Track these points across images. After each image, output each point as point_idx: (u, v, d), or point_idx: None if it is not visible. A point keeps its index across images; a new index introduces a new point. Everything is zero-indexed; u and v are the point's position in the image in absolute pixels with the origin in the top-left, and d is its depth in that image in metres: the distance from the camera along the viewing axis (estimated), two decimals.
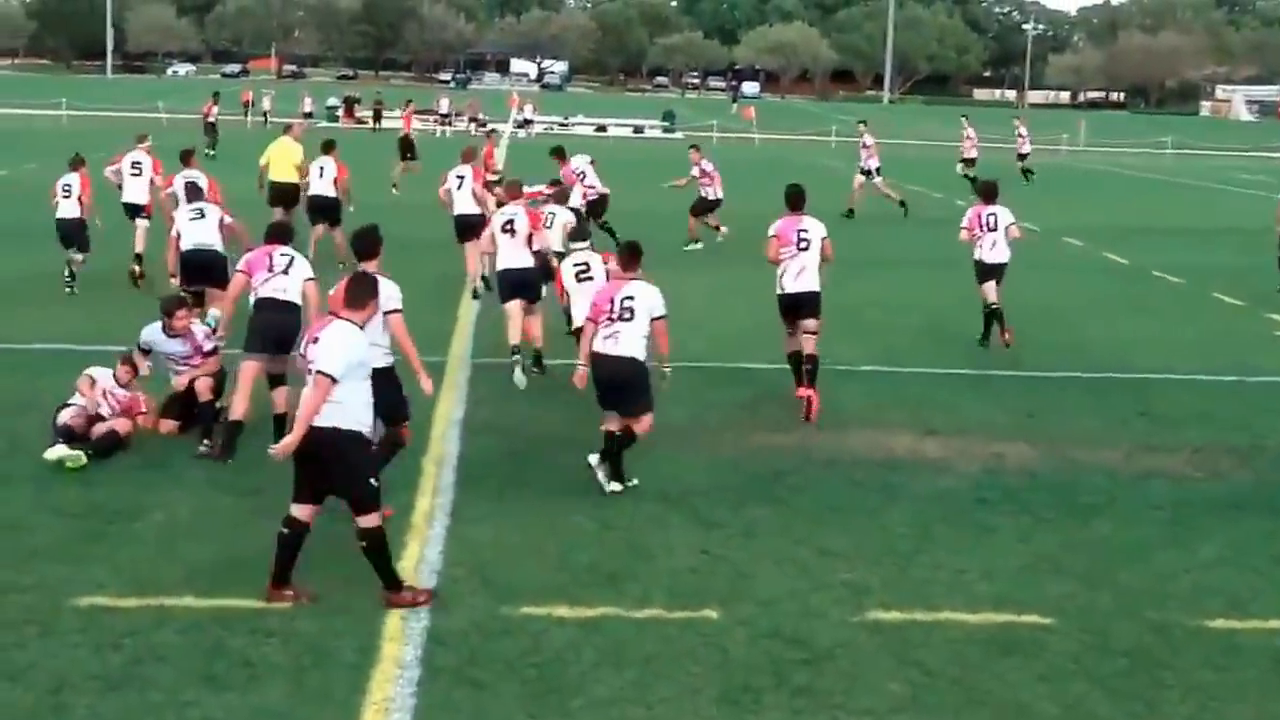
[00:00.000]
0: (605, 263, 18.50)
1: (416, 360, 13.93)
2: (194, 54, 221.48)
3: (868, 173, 45.31)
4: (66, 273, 26.11)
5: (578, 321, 17.97)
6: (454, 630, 11.27)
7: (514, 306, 20.27)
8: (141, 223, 27.82)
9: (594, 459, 15.10)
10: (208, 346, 16.78)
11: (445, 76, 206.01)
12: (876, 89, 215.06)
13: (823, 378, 19.57)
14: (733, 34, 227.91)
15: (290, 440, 11.40)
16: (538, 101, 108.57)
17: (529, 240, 20.46)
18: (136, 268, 26.93)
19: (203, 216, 21.69)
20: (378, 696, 10.14)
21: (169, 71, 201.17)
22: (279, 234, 16.82)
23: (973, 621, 11.88)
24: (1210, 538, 14.28)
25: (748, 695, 10.35)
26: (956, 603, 12.26)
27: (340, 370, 11.35)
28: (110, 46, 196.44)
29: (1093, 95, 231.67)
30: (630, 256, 15.74)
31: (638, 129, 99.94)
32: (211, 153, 58.40)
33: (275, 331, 15.97)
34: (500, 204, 21.50)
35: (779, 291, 18.96)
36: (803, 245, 18.79)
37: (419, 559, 12.83)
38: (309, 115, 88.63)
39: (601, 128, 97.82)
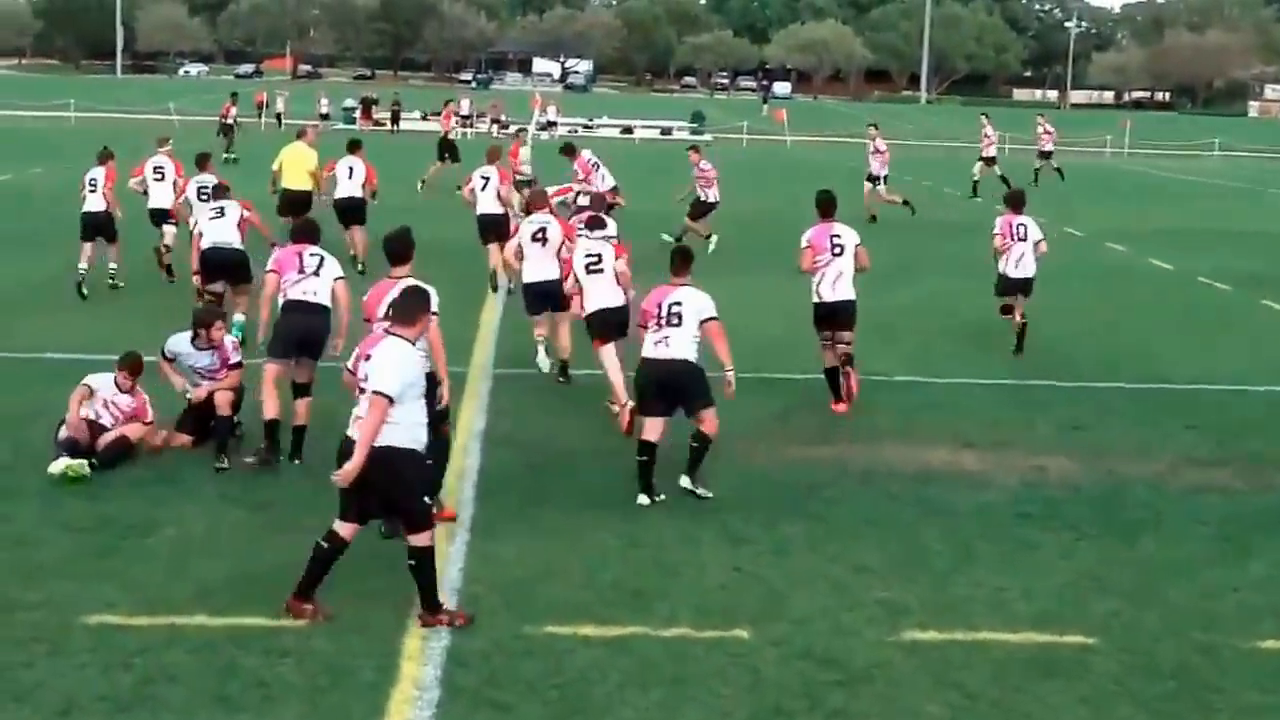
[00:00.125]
0: (618, 256, 18.97)
1: (444, 369, 14.01)
2: (206, 54, 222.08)
3: (874, 179, 45.04)
4: (80, 288, 26.36)
5: (588, 309, 18.68)
6: (475, 650, 11.27)
7: (541, 319, 20.67)
8: (169, 228, 28.22)
9: (685, 481, 15.41)
10: (234, 359, 16.78)
11: (466, 76, 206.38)
12: (913, 89, 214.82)
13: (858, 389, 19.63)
14: (763, 32, 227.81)
15: (353, 466, 11.40)
16: (561, 102, 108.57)
17: (559, 250, 20.59)
18: (167, 261, 27.71)
19: (223, 215, 22.40)
20: (396, 718, 10.16)
21: (180, 72, 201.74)
22: (307, 232, 16.85)
23: (1013, 641, 11.86)
24: (1260, 554, 14.23)
25: (779, 718, 10.34)
26: (996, 622, 12.24)
27: (397, 390, 11.39)
28: (120, 46, 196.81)
29: (1137, 95, 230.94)
30: (681, 262, 15.99)
31: (665, 131, 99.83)
32: (231, 155, 58.42)
33: (301, 334, 16.09)
34: (526, 210, 21.58)
35: (816, 300, 19.20)
36: (836, 251, 19.08)
37: (438, 576, 12.82)
38: (325, 117, 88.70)
39: (628, 129, 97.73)
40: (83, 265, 26.45)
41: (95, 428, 15.92)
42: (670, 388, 15.36)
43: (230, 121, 65.86)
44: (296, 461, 16.10)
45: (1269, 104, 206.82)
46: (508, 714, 10.26)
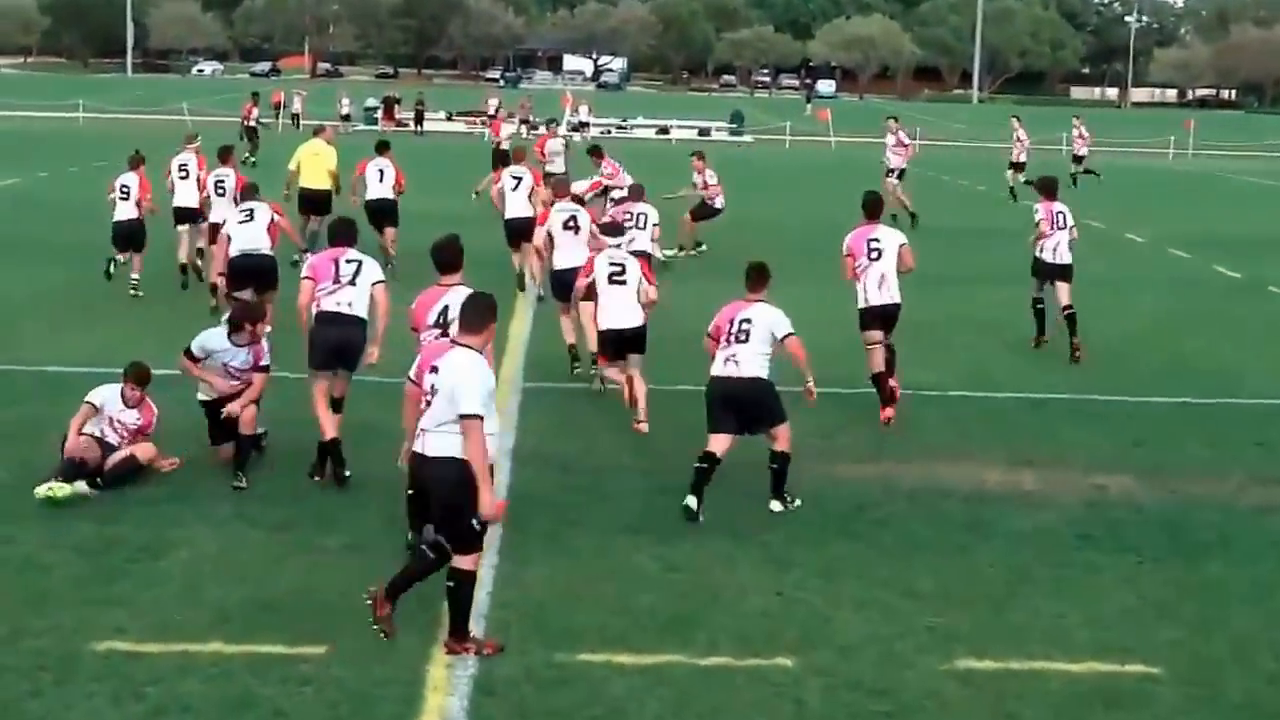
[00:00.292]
0: (648, 280, 19.38)
1: None
2: (220, 51, 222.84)
3: (892, 172, 44.98)
4: (108, 269, 27.42)
5: (602, 324, 19.17)
6: (504, 679, 11.27)
7: (569, 307, 20.95)
8: (184, 229, 28.71)
9: (775, 505, 15.60)
10: (265, 361, 16.74)
11: (494, 75, 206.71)
12: (964, 88, 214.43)
13: (906, 403, 19.64)
14: (806, 28, 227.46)
15: (494, 505, 11.68)
16: (593, 102, 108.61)
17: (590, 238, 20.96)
18: (185, 275, 28.28)
19: (252, 218, 22.61)
20: None
21: (194, 70, 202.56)
22: (344, 234, 16.73)
23: (1073, 671, 11.82)
24: None
25: None
26: (1054, 651, 12.20)
27: (481, 406, 11.49)
28: (130, 43, 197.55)
29: (1202, 93, 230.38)
30: (757, 278, 16.18)
31: (703, 132, 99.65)
32: (253, 159, 58.51)
33: (334, 345, 16.12)
34: (550, 203, 21.94)
35: (863, 304, 19.51)
36: (874, 255, 19.47)
37: None
38: (346, 118, 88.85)
39: (664, 130, 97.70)
40: (135, 275, 27.40)
41: (103, 446, 15.89)
42: (740, 406, 15.58)
43: (253, 123, 66.00)
44: (317, 479, 16.14)
45: None
46: None
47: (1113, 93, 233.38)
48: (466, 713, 10.70)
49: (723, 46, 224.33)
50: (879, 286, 19.35)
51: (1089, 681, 11.63)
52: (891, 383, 19.62)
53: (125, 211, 27.54)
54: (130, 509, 15.07)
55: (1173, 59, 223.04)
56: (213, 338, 16.66)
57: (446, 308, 14.33)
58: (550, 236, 21.41)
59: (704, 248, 34.95)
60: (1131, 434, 19.54)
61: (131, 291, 27.24)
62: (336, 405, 16.33)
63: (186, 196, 28.84)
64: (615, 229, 20.80)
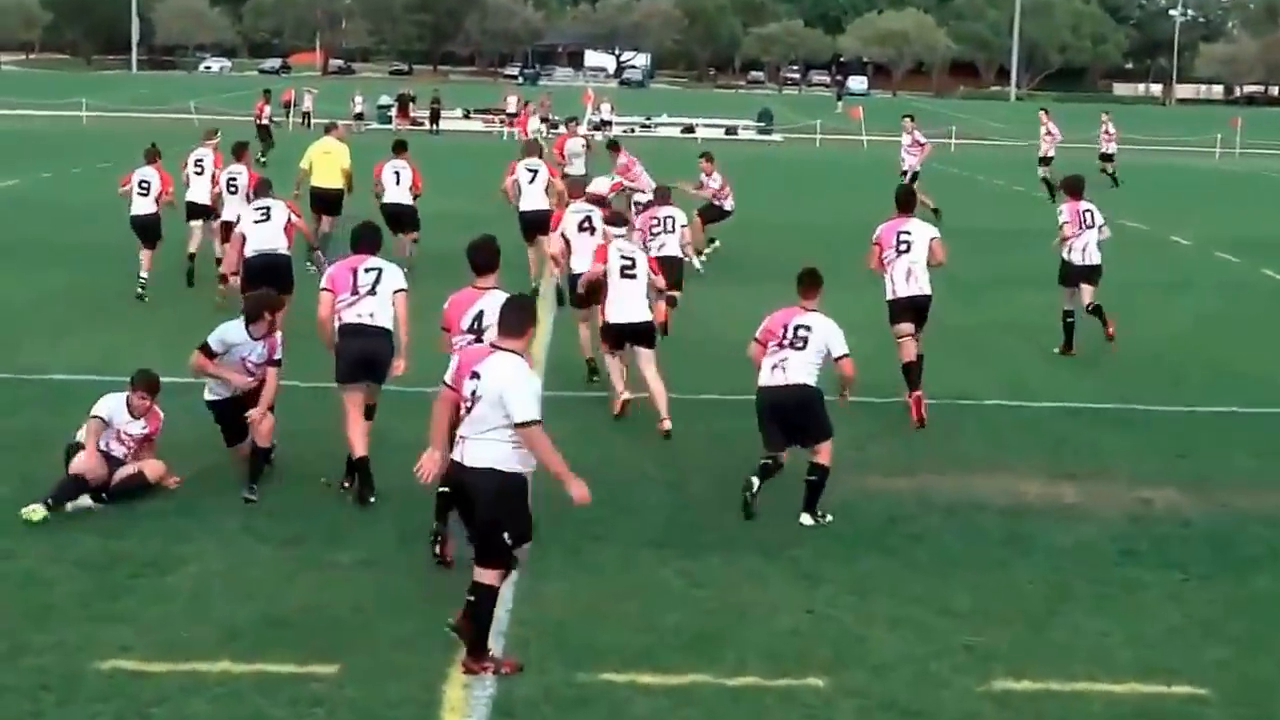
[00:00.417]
0: (656, 274, 19.85)
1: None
2: (228, 47, 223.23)
3: (905, 174, 45.08)
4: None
5: (611, 318, 19.40)
6: (523, 699, 11.26)
7: (587, 312, 21.07)
8: (195, 224, 29.28)
9: (806, 519, 15.65)
10: (278, 355, 16.71)
11: (512, 71, 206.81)
12: (1002, 84, 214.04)
13: (942, 414, 19.67)
14: (837, 22, 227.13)
15: (583, 489, 11.84)
16: (616, 99, 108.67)
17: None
18: (191, 263, 28.66)
19: (268, 218, 22.68)
20: None
21: (201, 67, 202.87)
22: (367, 241, 16.63)
23: (1116, 693, 11.79)
24: None
25: None
26: (1097, 671, 12.17)
27: (539, 409, 11.61)
28: (135, 39, 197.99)
29: (1249, 89, 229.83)
30: (810, 284, 16.39)
31: (730, 130, 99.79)
32: (263, 159, 58.41)
33: (359, 356, 16.08)
34: (565, 202, 22.05)
35: (890, 296, 19.99)
36: (903, 247, 19.96)
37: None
38: (359, 116, 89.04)
39: (689, 129, 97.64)
40: (144, 277, 27.74)
41: (109, 460, 15.84)
42: (786, 414, 15.80)
43: (266, 122, 66.05)
44: (345, 486, 16.20)
45: None
46: None
47: (1156, 89, 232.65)
48: None
49: (750, 42, 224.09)
50: (906, 279, 19.81)
51: (1132, 703, 11.60)
52: (916, 395, 19.81)
53: (143, 206, 28.03)
54: (136, 523, 15.08)
55: (1219, 54, 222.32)
56: (231, 330, 16.56)
57: (482, 313, 14.41)
58: (566, 240, 21.48)
59: (717, 243, 34.96)
60: (1177, 445, 19.50)
61: (138, 291, 27.44)
62: (368, 412, 16.34)
63: (200, 192, 29.35)
64: (619, 219, 20.96)
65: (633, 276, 19.44)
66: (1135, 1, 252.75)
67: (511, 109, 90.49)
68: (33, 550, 14.20)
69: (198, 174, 29.51)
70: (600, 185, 29.64)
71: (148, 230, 27.93)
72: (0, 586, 13.32)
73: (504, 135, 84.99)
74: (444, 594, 12.25)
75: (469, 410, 11.71)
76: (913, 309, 19.95)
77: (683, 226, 24.77)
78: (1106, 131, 62.32)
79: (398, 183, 31.02)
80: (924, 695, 11.57)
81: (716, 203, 35.40)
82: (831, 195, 44.61)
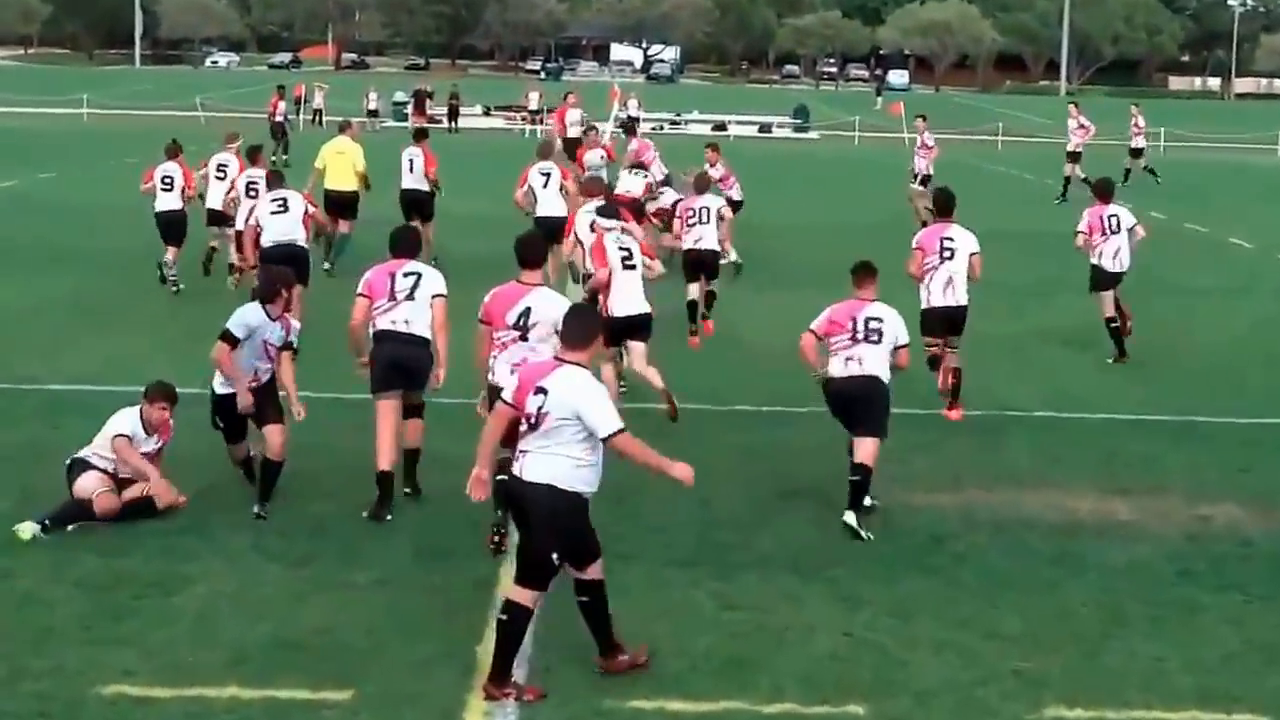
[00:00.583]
0: (647, 255, 20.13)
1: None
2: (236, 41, 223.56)
3: (919, 178, 45.16)
4: (161, 274, 28.66)
5: (615, 311, 19.40)
6: None
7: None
8: (216, 229, 29.75)
9: (850, 518, 15.81)
10: (293, 338, 16.68)
11: (534, 66, 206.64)
12: (1051, 78, 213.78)
13: (987, 426, 19.66)
14: (876, 13, 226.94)
15: (687, 470, 12.19)
16: (643, 95, 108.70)
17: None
18: (237, 274, 28.47)
19: (286, 209, 23.01)
20: None
21: (208, 62, 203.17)
22: (405, 245, 16.66)
23: None
24: None
25: None
26: (1152, 698, 12.14)
27: (619, 418, 11.75)
28: (139, 32, 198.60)
29: None
30: (866, 275, 16.67)
31: (764, 128, 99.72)
32: (285, 157, 57.82)
33: (395, 363, 16.14)
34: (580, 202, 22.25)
35: (926, 305, 20.17)
36: (946, 255, 20.19)
37: None
38: (374, 113, 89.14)
39: (721, 126, 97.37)
40: (173, 273, 28.55)
41: (116, 481, 15.75)
42: (850, 401, 16.14)
43: (280, 119, 66.06)
44: (405, 492, 16.26)
45: None
46: None
47: (1214, 83, 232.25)
48: None
49: (785, 34, 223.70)
50: (945, 288, 19.98)
51: None
52: (955, 411, 20.08)
53: (169, 202, 28.64)
54: (139, 541, 15.06)
55: None
56: (250, 313, 16.36)
57: (529, 310, 14.50)
58: (579, 241, 21.49)
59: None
60: (1237, 458, 19.45)
61: (172, 289, 28.25)
62: (414, 411, 16.40)
63: (219, 199, 29.66)
64: (610, 211, 21.15)
65: (632, 267, 19.67)
66: None
67: (533, 105, 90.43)
68: (31, 570, 14.21)
69: (219, 179, 29.79)
70: (635, 186, 29.71)
71: (173, 227, 28.49)
72: None
73: (525, 133, 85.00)
74: (462, 616, 12.23)
75: (532, 426, 11.70)
76: (947, 320, 20.19)
77: (720, 219, 24.88)
78: (1136, 125, 62.29)
79: (411, 169, 31.93)
80: None
81: (726, 193, 35.50)
82: (870, 196, 44.30)
